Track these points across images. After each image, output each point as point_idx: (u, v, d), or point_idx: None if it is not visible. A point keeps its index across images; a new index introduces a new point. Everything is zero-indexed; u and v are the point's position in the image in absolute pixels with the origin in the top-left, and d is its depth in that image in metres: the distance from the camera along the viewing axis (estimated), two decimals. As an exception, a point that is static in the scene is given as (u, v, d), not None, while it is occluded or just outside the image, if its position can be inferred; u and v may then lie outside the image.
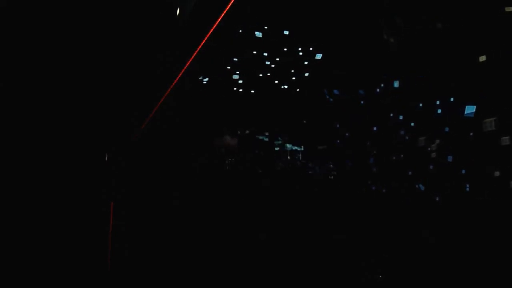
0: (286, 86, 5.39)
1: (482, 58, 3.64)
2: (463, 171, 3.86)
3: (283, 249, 4.51)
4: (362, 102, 4.88)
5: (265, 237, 4.63)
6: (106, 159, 4.43)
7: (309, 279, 4.18)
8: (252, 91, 5.38)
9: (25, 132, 4.13)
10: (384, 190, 4.61)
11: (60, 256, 3.99)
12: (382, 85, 4.68)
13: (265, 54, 5.26)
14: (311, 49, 5.27)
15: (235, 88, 5.33)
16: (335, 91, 5.11)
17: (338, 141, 5.17)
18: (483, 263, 3.40)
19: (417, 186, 4.13)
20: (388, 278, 4.03)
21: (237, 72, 5.29)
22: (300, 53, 5.29)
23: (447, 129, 4.07)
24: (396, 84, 4.44)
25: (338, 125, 5.18)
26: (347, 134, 5.08)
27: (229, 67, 5.25)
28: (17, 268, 3.82)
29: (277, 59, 5.33)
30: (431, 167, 4.19)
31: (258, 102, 5.37)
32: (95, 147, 4.43)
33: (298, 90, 5.37)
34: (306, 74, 5.32)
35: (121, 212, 4.41)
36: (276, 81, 5.39)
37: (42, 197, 4.06)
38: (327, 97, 5.16)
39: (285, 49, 5.28)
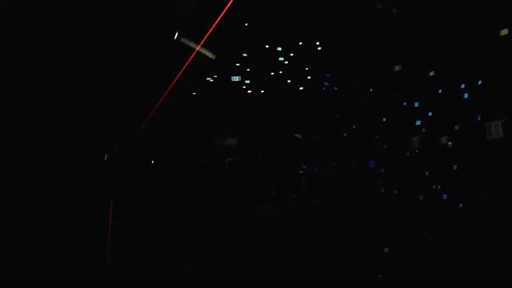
0: (286, 85, 5.39)
1: (504, 32, 3.28)
2: (463, 172, 3.85)
3: (283, 249, 4.51)
4: (370, 89, 4.83)
5: (265, 237, 4.63)
6: (106, 159, 4.43)
7: (309, 279, 4.17)
8: (251, 90, 5.38)
9: (25, 132, 4.13)
10: (383, 190, 4.60)
11: (59, 256, 4.00)
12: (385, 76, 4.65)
13: (263, 53, 5.26)
14: (311, 47, 5.28)
15: (234, 88, 5.33)
16: (327, 75, 5.08)
17: (345, 134, 5.12)
18: (483, 263, 3.39)
19: (434, 187, 4.08)
20: (388, 278, 4.02)
21: (236, 72, 5.29)
22: (300, 52, 5.29)
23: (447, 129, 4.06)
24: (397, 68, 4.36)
25: (339, 118, 5.16)
26: (354, 126, 5.03)
27: (227, 67, 5.26)
28: (16, 268, 3.82)
29: (277, 58, 5.33)
30: (434, 167, 4.18)
31: (257, 101, 5.37)
32: (95, 147, 4.43)
33: (298, 88, 5.37)
34: (306, 70, 5.32)
35: (121, 212, 4.41)
36: (276, 80, 5.39)
37: (41, 196, 4.07)
38: (326, 84, 5.13)
39: (283, 48, 5.28)
